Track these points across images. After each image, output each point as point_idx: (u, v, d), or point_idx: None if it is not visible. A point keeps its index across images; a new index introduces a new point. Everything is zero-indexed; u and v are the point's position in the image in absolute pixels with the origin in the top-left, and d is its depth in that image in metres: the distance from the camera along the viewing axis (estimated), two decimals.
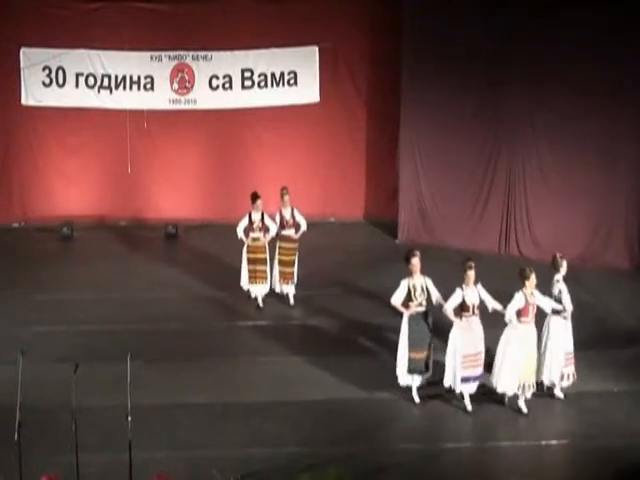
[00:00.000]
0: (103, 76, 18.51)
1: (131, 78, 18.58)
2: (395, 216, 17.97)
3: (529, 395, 11.38)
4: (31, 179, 18.87)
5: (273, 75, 18.80)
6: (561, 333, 11.51)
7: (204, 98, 18.73)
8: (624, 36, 15.40)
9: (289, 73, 18.81)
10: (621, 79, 15.67)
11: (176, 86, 18.66)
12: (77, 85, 18.51)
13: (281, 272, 14.65)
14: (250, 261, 14.54)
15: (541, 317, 11.56)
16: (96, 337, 13.53)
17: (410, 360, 11.56)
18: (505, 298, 12.90)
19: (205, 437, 10.84)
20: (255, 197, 14.52)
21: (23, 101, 18.54)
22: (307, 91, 18.90)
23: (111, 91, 18.56)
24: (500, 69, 16.55)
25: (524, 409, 11.35)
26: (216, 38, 18.44)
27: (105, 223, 18.73)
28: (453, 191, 17.39)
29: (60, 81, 18.46)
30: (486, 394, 11.66)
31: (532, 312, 11.28)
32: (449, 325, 11.58)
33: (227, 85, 18.74)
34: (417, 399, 11.64)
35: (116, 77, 18.55)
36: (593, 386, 11.90)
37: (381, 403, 11.76)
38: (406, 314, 11.56)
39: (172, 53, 18.53)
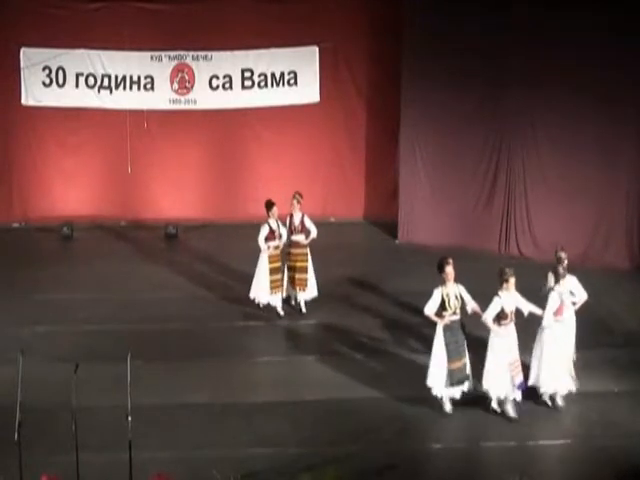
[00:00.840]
0: (103, 76, 18.51)
1: (131, 78, 18.58)
2: (395, 216, 17.97)
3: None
4: (31, 179, 18.87)
5: (273, 75, 18.80)
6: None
7: (204, 98, 18.72)
8: (624, 36, 15.39)
9: (289, 73, 18.81)
10: (621, 79, 15.66)
11: (176, 86, 18.66)
12: (77, 85, 18.51)
13: (294, 278, 14.29)
14: (272, 271, 14.17)
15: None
16: (96, 337, 13.54)
17: (450, 372, 11.25)
18: None
19: (205, 437, 10.85)
20: (271, 205, 14.21)
21: (23, 101, 18.54)
22: (307, 91, 18.90)
23: (111, 91, 18.56)
24: (500, 68, 16.54)
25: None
26: (216, 38, 18.44)
27: (105, 223, 18.72)
28: (453, 191, 17.39)
29: (60, 81, 18.46)
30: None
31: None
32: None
33: (227, 85, 18.73)
34: (449, 408, 11.38)
35: (116, 77, 18.54)
36: (593, 386, 11.88)
37: (381, 403, 11.76)
38: (441, 324, 11.28)
39: (172, 53, 18.53)
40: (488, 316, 11.15)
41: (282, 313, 14.25)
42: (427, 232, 17.50)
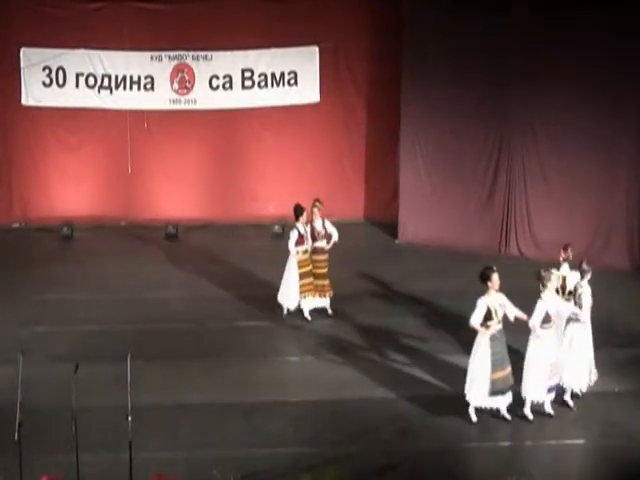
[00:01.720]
0: (103, 76, 18.50)
1: (131, 78, 18.58)
2: (395, 216, 17.97)
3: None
4: (31, 179, 18.87)
5: (273, 75, 18.79)
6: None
7: (204, 98, 18.72)
8: (624, 35, 15.40)
9: (289, 73, 18.80)
10: (621, 78, 15.68)
11: (176, 86, 18.66)
12: (77, 85, 18.51)
13: (317, 285, 14.21)
14: (302, 275, 14.08)
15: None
16: (96, 337, 13.54)
17: (493, 382, 11.03)
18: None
19: (205, 437, 10.84)
20: (302, 210, 14.11)
21: (23, 101, 18.53)
22: (307, 91, 18.90)
23: (111, 91, 18.56)
24: (500, 67, 16.55)
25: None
26: (216, 38, 18.44)
27: (105, 223, 18.72)
28: (453, 190, 17.39)
29: (60, 81, 18.46)
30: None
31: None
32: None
33: (227, 85, 18.73)
34: (475, 419, 11.21)
35: (116, 77, 18.54)
36: (594, 386, 11.87)
37: (382, 403, 11.75)
38: (487, 335, 11.01)
39: (172, 53, 18.52)
40: (536, 322, 10.97)
41: (310, 318, 14.18)
42: (427, 232, 17.49)
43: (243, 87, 18.79)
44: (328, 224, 14.34)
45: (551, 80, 16.19)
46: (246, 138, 19.06)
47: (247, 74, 18.74)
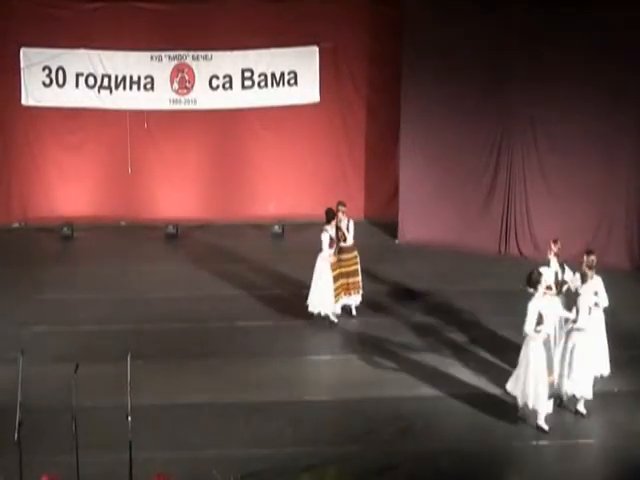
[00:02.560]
0: (103, 76, 18.50)
1: (131, 78, 18.57)
2: (395, 216, 17.96)
3: None
4: (31, 179, 18.87)
5: (273, 75, 18.79)
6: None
7: (204, 98, 18.71)
8: (624, 33, 15.41)
9: (289, 73, 18.80)
10: (622, 78, 15.67)
11: (176, 86, 18.65)
12: (77, 85, 18.50)
13: (348, 283, 14.19)
14: (335, 278, 13.99)
15: None
16: (96, 337, 13.55)
17: (550, 385, 10.99)
18: (505, 297, 12.96)
19: (205, 437, 10.85)
20: (332, 214, 14.00)
21: (23, 101, 18.53)
22: (307, 91, 18.89)
23: (111, 91, 18.55)
24: (500, 66, 16.54)
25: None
26: (216, 38, 18.43)
27: (105, 223, 18.71)
28: (453, 191, 17.38)
29: (60, 81, 18.45)
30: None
31: None
32: None
33: (227, 85, 18.72)
34: (547, 427, 11.05)
35: (116, 77, 18.53)
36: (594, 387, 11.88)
37: (382, 403, 11.75)
38: (540, 340, 10.90)
39: (172, 53, 18.51)
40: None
41: (336, 321, 14.09)
42: (427, 232, 17.48)
43: (243, 87, 18.78)
44: (352, 225, 14.26)
45: (551, 79, 16.19)
46: (246, 138, 19.06)
47: (247, 74, 18.74)
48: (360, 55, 18.76)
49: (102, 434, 10.60)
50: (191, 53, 18.53)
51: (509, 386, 11.20)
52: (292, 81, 18.83)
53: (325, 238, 13.94)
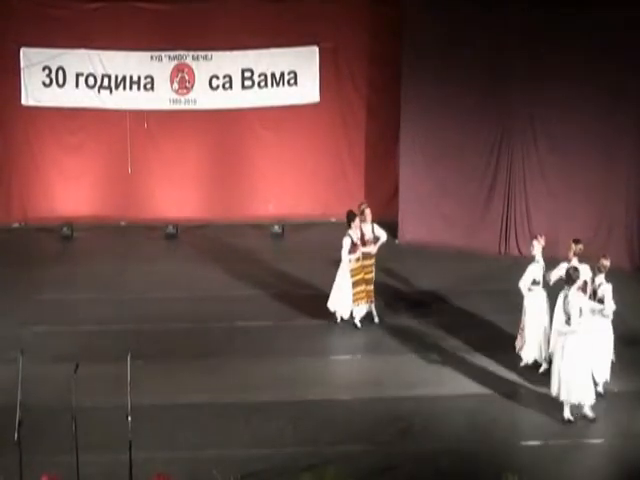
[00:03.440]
0: (103, 76, 18.49)
1: (131, 78, 18.56)
2: (395, 216, 17.93)
3: None
4: (31, 179, 18.86)
5: (273, 75, 18.78)
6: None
7: (204, 98, 18.70)
8: (624, 32, 15.41)
9: (289, 73, 18.79)
10: (622, 78, 15.68)
11: (176, 86, 18.65)
12: (77, 85, 18.49)
13: (367, 291, 13.89)
14: (355, 283, 13.74)
15: None
16: (96, 337, 13.54)
17: None
18: (505, 297, 12.96)
19: (205, 437, 10.86)
20: (353, 216, 13.76)
21: (23, 101, 18.52)
22: (307, 91, 18.88)
23: (111, 91, 18.54)
24: (500, 66, 16.55)
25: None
26: (216, 38, 18.42)
27: (105, 223, 18.69)
28: (453, 191, 17.38)
29: (60, 81, 18.44)
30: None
31: None
32: None
33: (227, 85, 18.72)
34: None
35: (116, 77, 18.52)
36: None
37: (382, 403, 11.76)
38: (575, 335, 11.08)
39: (172, 53, 18.50)
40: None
41: (360, 325, 13.89)
42: (427, 232, 17.48)
43: (243, 87, 18.77)
44: (377, 228, 14.03)
45: (551, 79, 16.20)
46: (246, 138, 19.05)
47: (247, 74, 18.73)
48: (360, 55, 18.75)
49: (102, 434, 10.62)
50: (191, 53, 18.53)
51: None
52: (292, 81, 18.82)
53: (346, 244, 13.63)
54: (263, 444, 10.70)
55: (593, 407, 11.32)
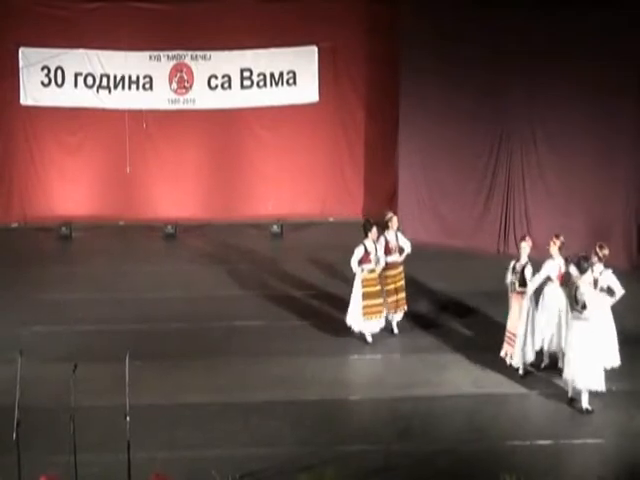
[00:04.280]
0: (102, 76, 18.51)
1: (130, 78, 18.58)
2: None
3: None
4: (30, 179, 18.88)
5: (272, 75, 18.79)
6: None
7: (203, 98, 18.73)
8: (622, 33, 15.43)
9: (288, 73, 18.81)
10: (621, 78, 15.69)
11: (175, 86, 18.66)
12: (76, 85, 18.52)
13: (393, 301, 13.47)
14: (367, 296, 13.17)
15: None
16: (94, 337, 13.54)
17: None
18: (505, 297, 12.95)
19: (204, 437, 10.84)
20: (370, 226, 13.26)
21: (22, 101, 18.54)
22: (306, 91, 18.90)
23: (110, 91, 18.56)
24: (499, 67, 16.57)
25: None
26: (215, 38, 18.44)
27: (104, 223, 18.70)
28: (452, 191, 17.39)
29: (59, 81, 18.46)
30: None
31: None
32: None
33: (226, 85, 18.73)
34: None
35: (115, 77, 18.54)
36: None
37: (380, 403, 11.76)
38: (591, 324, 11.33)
39: (171, 53, 18.53)
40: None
41: (370, 340, 13.31)
42: (426, 232, 17.46)
43: (242, 87, 18.79)
44: (401, 237, 13.63)
45: (550, 78, 16.21)
46: (245, 138, 19.07)
47: (246, 74, 18.75)
48: (359, 55, 18.77)
49: (101, 434, 10.60)
50: (190, 53, 18.55)
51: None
52: (291, 81, 18.84)
53: (357, 253, 13.15)
54: (262, 444, 10.69)
55: (592, 402, 11.38)
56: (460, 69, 16.81)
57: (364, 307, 13.16)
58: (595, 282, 11.83)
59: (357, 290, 13.26)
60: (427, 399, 11.77)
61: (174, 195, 18.88)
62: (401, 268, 13.65)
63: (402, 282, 13.63)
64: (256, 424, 11.13)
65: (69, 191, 18.81)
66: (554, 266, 12.32)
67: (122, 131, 18.60)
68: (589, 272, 11.45)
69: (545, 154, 16.73)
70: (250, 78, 18.77)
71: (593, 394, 11.43)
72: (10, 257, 17.13)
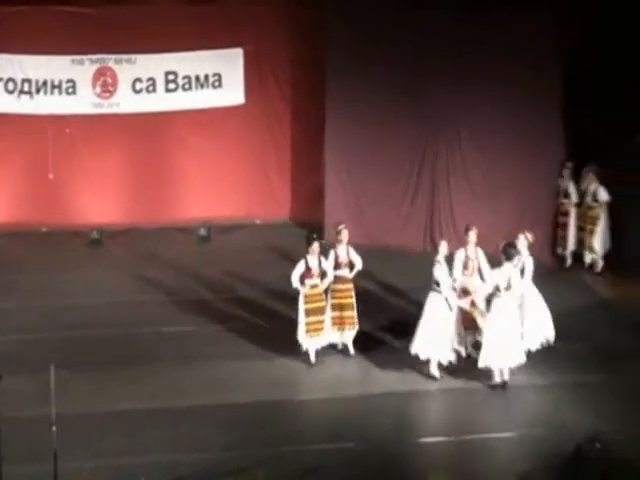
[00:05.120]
0: (23, 81, 18.19)
1: (52, 82, 18.29)
2: (321, 218, 17.96)
3: None
4: None
5: (197, 77, 18.69)
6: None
7: (127, 102, 18.52)
8: (539, 32, 15.74)
9: (214, 75, 18.73)
10: (544, 79, 16.02)
11: (98, 90, 18.43)
12: None
13: (339, 317, 12.98)
14: (309, 312, 12.80)
15: None
16: (19, 346, 13.29)
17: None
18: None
19: (132, 444, 10.77)
20: (312, 241, 12.92)
21: None
22: (232, 93, 18.84)
23: (32, 96, 18.26)
24: (423, 69, 16.70)
25: None
26: (139, 41, 18.23)
27: (25, 230, 18.29)
28: (379, 191, 17.47)
29: None
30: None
31: None
32: None
33: (151, 88, 18.57)
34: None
35: (37, 81, 18.24)
36: (520, 378, 12.19)
37: (311, 404, 11.81)
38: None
39: (94, 56, 18.28)
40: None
41: (314, 360, 12.90)
42: (353, 232, 17.40)
43: (167, 90, 18.64)
44: (352, 252, 13.14)
45: (472, 78, 16.42)
46: (171, 141, 18.91)
47: (171, 77, 18.61)
48: (284, 57, 18.75)
49: (27, 445, 10.42)
50: (114, 56, 18.33)
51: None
52: (217, 83, 18.76)
53: (297, 267, 12.81)
54: (192, 449, 10.66)
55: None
56: (384, 71, 16.92)
57: (307, 324, 12.80)
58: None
59: (300, 306, 12.89)
60: (358, 399, 11.84)
61: (99, 200, 18.61)
62: (350, 285, 13.12)
63: (351, 300, 13.07)
64: (185, 429, 11.09)
65: None
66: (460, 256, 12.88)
67: (44, 136, 18.26)
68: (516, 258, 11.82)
69: (470, 153, 16.95)
70: (175, 81, 18.64)
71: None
72: None
